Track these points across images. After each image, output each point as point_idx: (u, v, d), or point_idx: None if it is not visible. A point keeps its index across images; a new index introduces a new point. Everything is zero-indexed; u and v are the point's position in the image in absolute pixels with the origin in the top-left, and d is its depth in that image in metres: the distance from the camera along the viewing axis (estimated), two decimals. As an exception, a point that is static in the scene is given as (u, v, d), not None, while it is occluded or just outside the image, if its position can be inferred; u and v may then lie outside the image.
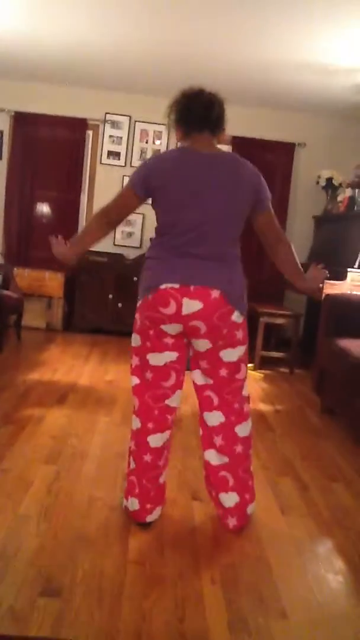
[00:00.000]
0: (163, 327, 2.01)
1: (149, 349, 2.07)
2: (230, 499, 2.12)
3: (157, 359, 2.08)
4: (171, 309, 1.96)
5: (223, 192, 2.01)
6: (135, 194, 2.03)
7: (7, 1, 3.87)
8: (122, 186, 5.88)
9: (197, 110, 2.06)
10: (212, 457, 2.16)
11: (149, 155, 5.85)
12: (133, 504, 2.11)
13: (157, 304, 1.97)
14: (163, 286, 1.95)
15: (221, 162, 2.06)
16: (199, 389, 2.22)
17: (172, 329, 2.01)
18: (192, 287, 1.95)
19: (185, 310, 1.95)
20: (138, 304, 2.07)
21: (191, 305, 1.95)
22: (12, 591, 1.64)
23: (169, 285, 1.95)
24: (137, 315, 2.08)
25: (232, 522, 2.13)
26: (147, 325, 2.04)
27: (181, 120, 2.08)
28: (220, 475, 2.14)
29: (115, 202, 2.08)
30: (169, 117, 2.10)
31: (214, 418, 2.15)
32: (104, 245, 6.01)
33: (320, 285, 2.30)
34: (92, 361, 4.60)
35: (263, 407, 3.85)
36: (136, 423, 2.13)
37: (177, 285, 1.95)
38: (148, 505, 2.11)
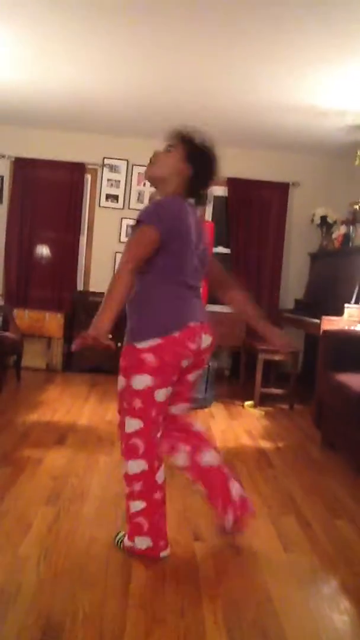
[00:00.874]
0: (183, 362, 2.07)
1: (159, 386, 2.05)
2: None
3: (162, 395, 2.08)
4: (197, 344, 2.08)
5: (204, 240, 2.24)
6: (157, 232, 1.99)
7: (7, 52, 4.02)
8: (120, 228, 6.03)
9: (213, 175, 2.27)
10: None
11: (146, 198, 5.96)
12: (142, 542, 2.10)
13: (187, 340, 2.04)
14: (192, 324, 2.06)
15: (196, 213, 2.24)
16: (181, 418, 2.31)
17: (186, 363, 2.10)
18: (205, 324, 2.14)
19: (203, 345, 2.13)
20: (151, 344, 2.01)
21: (206, 340, 2.15)
22: (13, 634, 1.61)
23: (194, 322, 2.08)
24: (147, 355, 2.01)
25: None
26: (166, 363, 2.02)
27: (200, 178, 2.24)
28: None
29: (141, 245, 1.98)
30: (188, 161, 2.18)
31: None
32: (103, 286, 6.08)
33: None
34: (92, 401, 4.59)
35: (264, 443, 3.83)
36: (141, 466, 2.09)
37: (198, 323, 2.10)
38: (162, 542, 2.12)
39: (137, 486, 2.10)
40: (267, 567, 2.14)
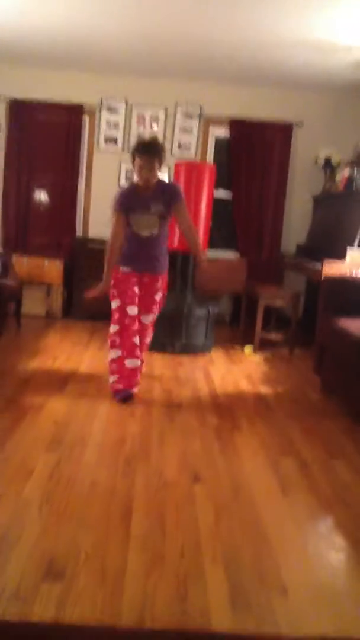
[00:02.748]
0: None
1: None
2: None
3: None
4: None
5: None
6: None
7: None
8: (119, 172, 5.89)
9: None
10: None
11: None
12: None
13: None
14: None
15: None
16: None
17: None
18: None
19: None
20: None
21: None
22: (16, 576, 1.66)
23: None
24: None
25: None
26: None
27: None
28: None
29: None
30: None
31: None
32: (102, 233, 5.99)
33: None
34: (92, 348, 4.60)
35: (263, 388, 3.86)
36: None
37: None
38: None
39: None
40: (265, 508, 2.19)
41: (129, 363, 3.37)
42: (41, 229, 6.03)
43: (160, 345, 4.59)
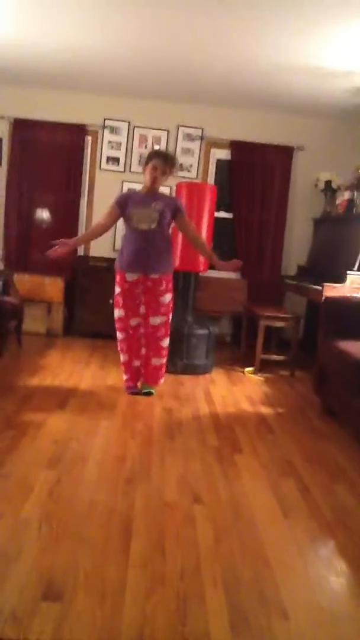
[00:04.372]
0: None
1: None
2: None
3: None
4: None
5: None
6: None
7: (3, 8, 3.89)
8: (121, 191, 5.95)
9: None
10: None
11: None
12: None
13: None
14: None
15: None
16: None
17: None
18: None
19: None
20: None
21: None
22: (14, 595, 1.64)
23: None
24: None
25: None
26: None
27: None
28: None
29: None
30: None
31: None
32: (103, 250, 6.03)
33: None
34: (93, 365, 4.60)
35: (264, 409, 3.85)
36: (168, 340, 4.04)
37: None
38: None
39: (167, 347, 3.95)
40: (265, 531, 2.17)
41: (136, 363, 3.88)
42: (42, 247, 6.03)
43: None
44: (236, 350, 5.77)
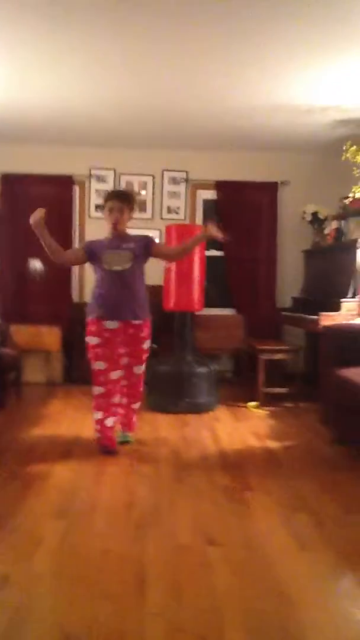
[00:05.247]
0: None
1: None
2: None
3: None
4: None
5: None
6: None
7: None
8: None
9: None
10: None
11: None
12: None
13: None
14: None
15: None
16: None
17: None
18: None
19: None
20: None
21: None
22: (30, 654, 1.58)
23: None
24: None
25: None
26: None
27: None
28: None
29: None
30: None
31: None
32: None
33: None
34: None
35: (271, 444, 3.80)
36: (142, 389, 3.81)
37: None
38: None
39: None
40: (282, 567, 2.11)
41: (108, 422, 3.51)
42: (38, 298, 6.08)
43: (163, 405, 4.56)
44: (238, 386, 5.74)
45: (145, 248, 3.52)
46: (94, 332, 3.44)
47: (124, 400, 3.68)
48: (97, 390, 3.49)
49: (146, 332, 3.56)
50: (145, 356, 3.62)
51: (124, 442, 3.68)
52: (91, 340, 3.46)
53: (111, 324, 3.43)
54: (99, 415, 3.50)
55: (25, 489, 2.83)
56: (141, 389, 3.72)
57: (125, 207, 3.51)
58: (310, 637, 1.69)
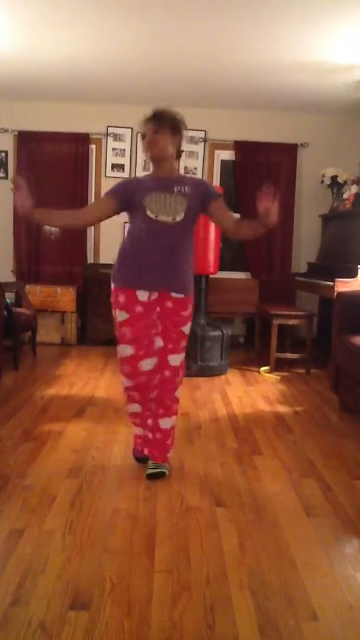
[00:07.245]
0: None
1: None
2: None
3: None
4: None
5: None
6: None
7: (4, 21, 3.92)
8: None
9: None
10: None
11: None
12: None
13: None
14: None
15: None
16: None
17: None
18: None
19: None
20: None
21: None
22: (42, 606, 1.64)
23: None
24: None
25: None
26: None
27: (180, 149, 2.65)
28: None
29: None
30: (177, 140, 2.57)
31: None
32: (112, 258, 6.04)
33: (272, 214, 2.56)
34: (108, 373, 4.61)
35: (281, 409, 3.84)
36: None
37: None
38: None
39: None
40: (289, 532, 2.16)
41: (163, 423, 2.66)
42: (53, 258, 6.09)
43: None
44: (250, 350, 5.76)
45: (204, 198, 2.55)
46: (122, 305, 2.48)
47: (151, 412, 2.67)
48: (126, 382, 2.57)
49: (190, 310, 2.60)
50: (184, 344, 2.62)
51: (156, 475, 2.59)
52: (118, 315, 2.50)
53: (144, 295, 2.48)
54: (135, 407, 2.63)
55: (38, 448, 2.90)
56: (177, 394, 2.66)
57: (168, 132, 2.48)
58: (314, 600, 1.73)
